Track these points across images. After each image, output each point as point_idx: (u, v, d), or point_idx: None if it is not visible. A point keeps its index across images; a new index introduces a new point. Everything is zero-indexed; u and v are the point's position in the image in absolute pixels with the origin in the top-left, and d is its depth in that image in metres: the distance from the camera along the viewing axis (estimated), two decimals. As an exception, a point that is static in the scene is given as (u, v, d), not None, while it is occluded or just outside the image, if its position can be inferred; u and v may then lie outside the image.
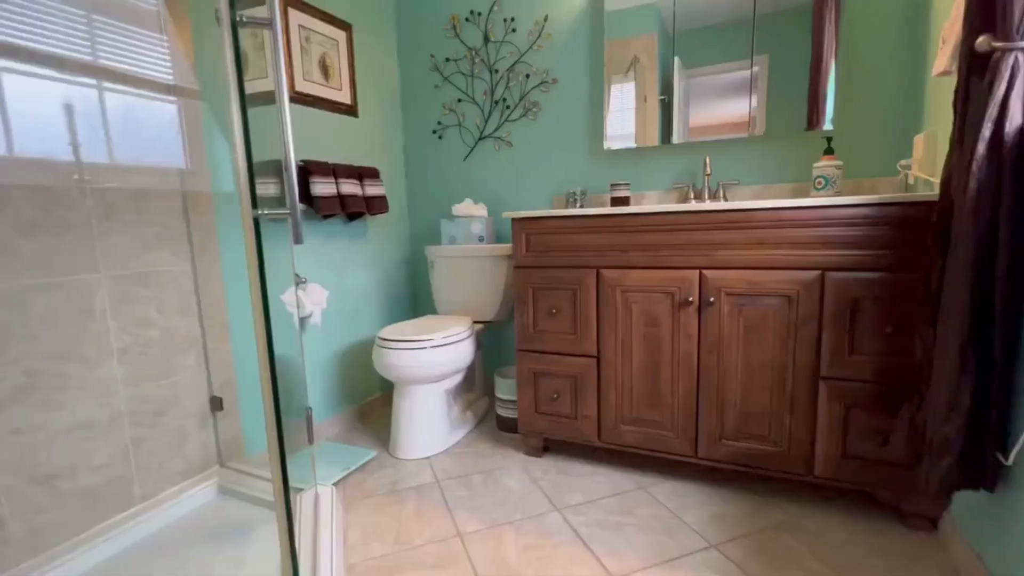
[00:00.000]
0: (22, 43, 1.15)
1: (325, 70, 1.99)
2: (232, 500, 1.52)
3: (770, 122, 1.72)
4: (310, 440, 1.40)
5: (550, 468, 1.73)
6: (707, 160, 1.77)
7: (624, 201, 1.90)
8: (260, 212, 0.81)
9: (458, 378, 1.96)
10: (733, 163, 1.84)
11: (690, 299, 1.46)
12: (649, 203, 1.97)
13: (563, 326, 1.66)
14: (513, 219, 1.68)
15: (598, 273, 1.58)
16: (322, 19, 1.96)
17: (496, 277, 2.10)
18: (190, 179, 1.52)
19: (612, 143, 1.97)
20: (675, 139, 1.87)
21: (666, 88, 1.86)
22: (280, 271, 1.81)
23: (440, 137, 2.36)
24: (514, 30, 2.12)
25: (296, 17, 1.84)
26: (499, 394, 2.02)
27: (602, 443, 1.65)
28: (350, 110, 2.12)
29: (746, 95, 1.74)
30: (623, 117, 1.94)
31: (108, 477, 1.34)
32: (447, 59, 2.28)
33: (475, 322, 2.18)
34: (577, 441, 1.70)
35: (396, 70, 2.39)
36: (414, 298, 2.55)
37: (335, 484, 1.65)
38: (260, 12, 0.77)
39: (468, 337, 1.92)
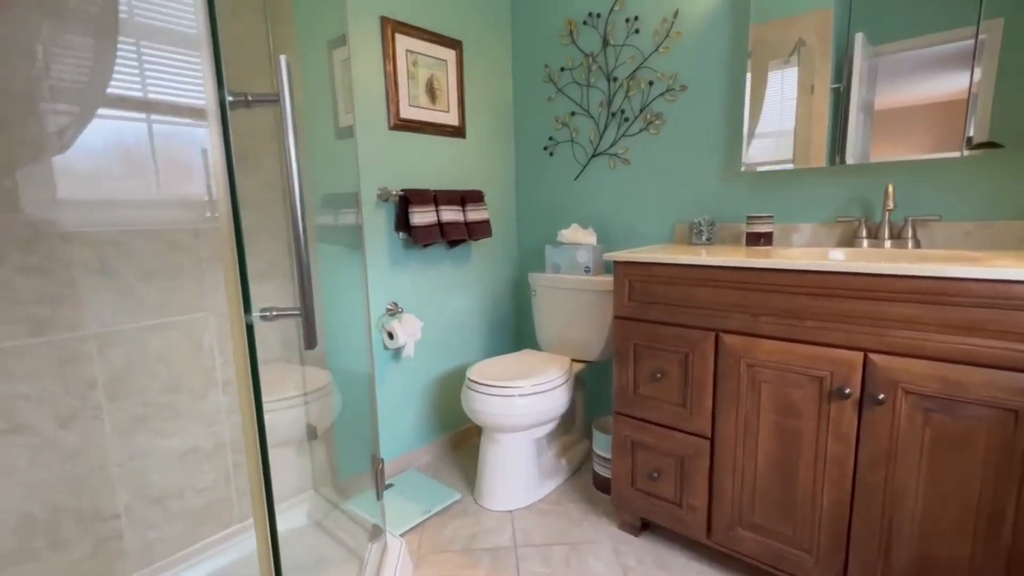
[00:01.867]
0: (164, 97, 1.25)
1: (432, 93, 1.93)
2: (318, 532, 1.56)
3: (999, 121, 1.20)
4: (378, 495, 1.35)
5: (646, 556, 1.47)
6: (889, 189, 1.31)
7: (764, 239, 1.51)
8: (262, 314, 0.72)
9: (550, 427, 1.78)
10: (933, 187, 1.34)
11: (846, 390, 1.08)
12: (801, 240, 1.55)
13: (670, 394, 1.37)
14: (615, 262, 1.43)
15: (718, 337, 1.26)
16: (430, 40, 1.89)
17: (602, 314, 1.86)
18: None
19: (754, 161, 1.59)
20: (850, 150, 1.42)
21: (841, 74, 1.41)
22: (375, 295, 1.82)
23: (551, 154, 2.18)
24: (637, 31, 1.83)
25: (403, 42, 1.80)
26: (596, 449, 1.79)
27: (711, 543, 1.34)
28: (457, 132, 2.04)
29: (961, 77, 1.24)
30: (774, 123, 1.54)
31: (211, 499, 1.45)
32: (561, 68, 2.07)
33: (577, 360, 1.98)
34: (680, 532, 1.41)
35: (509, 84, 2.25)
36: (518, 324, 2.42)
37: (415, 527, 1.61)
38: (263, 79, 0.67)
39: (562, 384, 1.72)
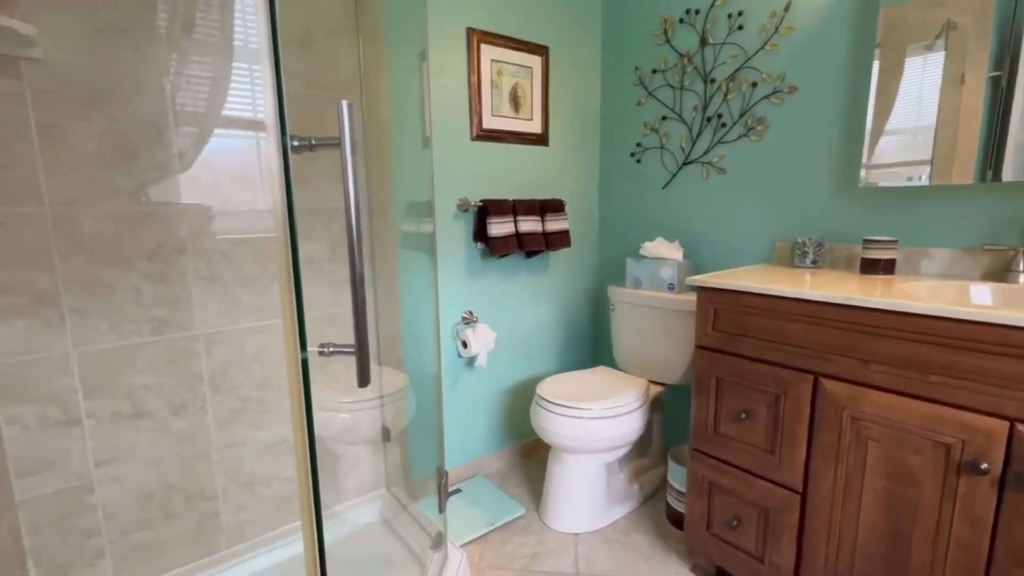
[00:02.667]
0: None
1: (515, 101, 1.91)
2: (387, 531, 1.63)
3: None
4: (441, 507, 1.37)
5: (718, 608, 1.35)
6: (1062, 214, 1.05)
7: (883, 266, 1.30)
8: (319, 350, 0.74)
9: (622, 451, 1.70)
10: None
11: (982, 465, 0.88)
12: (933, 268, 1.31)
13: (756, 438, 1.23)
14: (698, 287, 1.31)
15: (816, 382, 1.11)
16: (516, 48, 1.87)
17: (686, 335, 1.73)
18: (378, 227, 1.63)
19: (876, 172, 1.37)
20: (1010, 160, 1.16)
21: (1003, 60, 1.16)
22: (451, 303, 1.85)
23: (638, 161, 2.06)
24: (740, 27, 1.65)
25: (489, 52, 1.80)
26: (671, 480, 1.68)
27: (797, 610, 1.19)
28: (539, 140, 2.00)
29: None
30: (906, 125, 1.32)
31: (295, 488, 1.57)
32: (653, 70, 1.94)
33: (655, 383, 1.87)
34: (760, 589, 1.27)
35: (596, 88, 2.16)
36: (595, 339, 2.34)
37: (477, 539, 1.62)
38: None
39: (637, 409, 1.63)
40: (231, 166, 1.35)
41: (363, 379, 0.72)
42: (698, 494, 1.38)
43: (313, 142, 0.67)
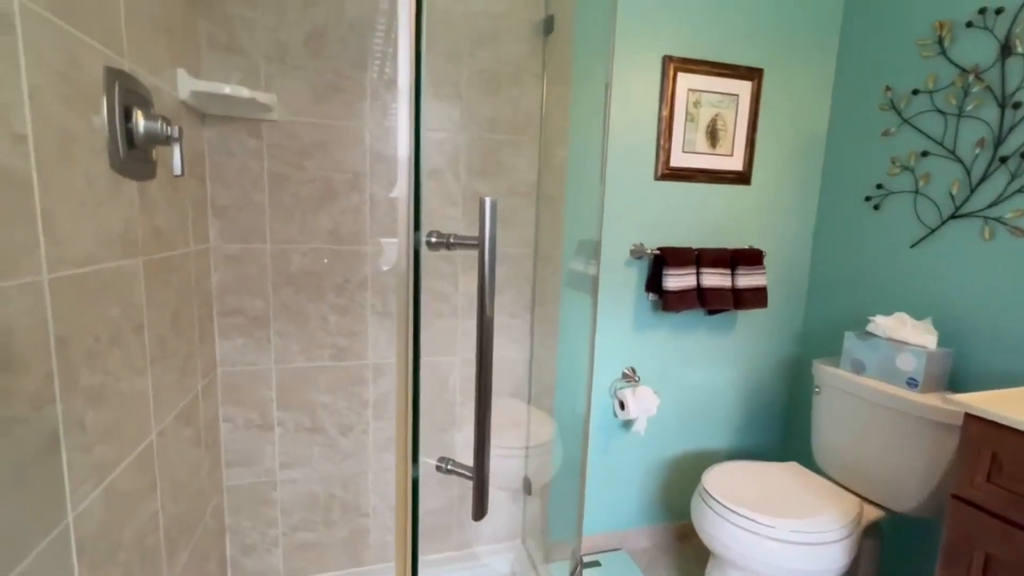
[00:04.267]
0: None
1: (713, 135, 1.64)
2: (516, 589, 1.55)
3: None
4: (571, 597, 1.22)
5: None
6: None
7: None
8: (436, 464, 0.66)
9: (810, 586, 1.31)
10: None
11: None
12: None
13: (1054, 669, 0.79)
14: (967, 415, 0.91)
15: None
16: (720, 74, 1.61)
17: (930, 452, 1.27)
18: (542, 272, 1.56)
19: None
20: None
21: None
22: (612, 357, 1.67)
23: (876, 207, 1.60)
24: (1081, 28, 1.13)
25: (686, 81, 1.58)
26: (883, 647, 1.24)
27: None
28: (739, 178, 1.70)
29: None
30: None
31: (435, 521, 1.59)
32: (914, 91, 1.47)
33: (871, 502, 1.41)
34: None
35: (823, 114, 1.75)
36: (788, 422, 1.91)
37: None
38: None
39: (842, 539, 1.24)
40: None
41: (478, 512, 0.63)
42: None
43: (452, 240, 0.60)
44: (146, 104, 0.86)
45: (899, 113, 1.52)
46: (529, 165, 1.48)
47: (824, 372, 1.53)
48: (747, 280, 1.65)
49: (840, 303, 1.72)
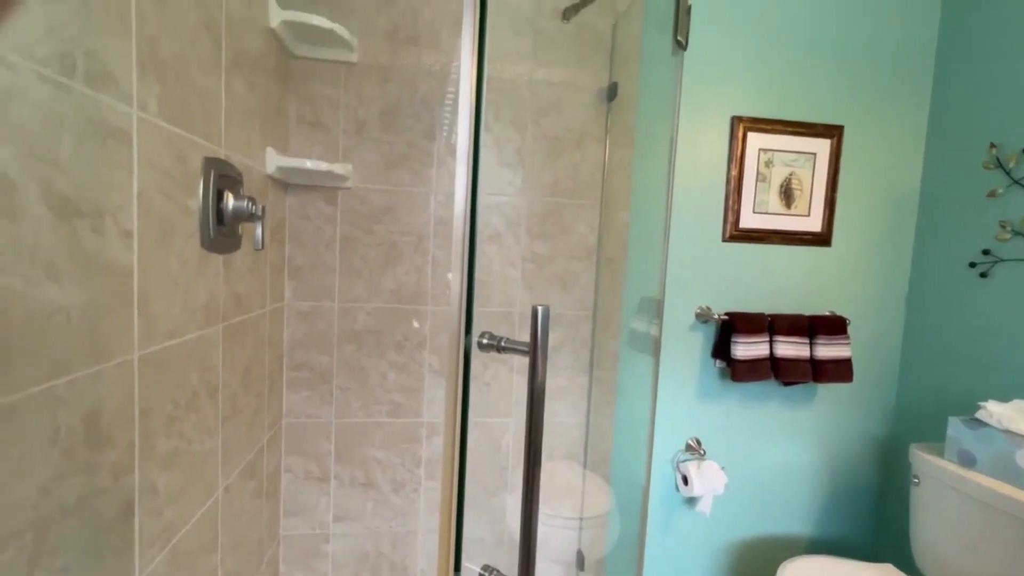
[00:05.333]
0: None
1: (787, 194, 1.56)
2: (565, 676, 1.44)
3: None
4: None
5: None
6: None
7: None
8: (478, 571, 0.63)
9: None
10: None
11: None
12: None
13: None
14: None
15: None
16: (795, 132, 1.54)
17: (1062, 579, 1.06)
18: (600, 336, 1.52)
19: None
20: None
21: None
22: (675, 426, 1.57)
23: (983, 275, 1.43)
24: None
25: (757, 141, 1.52)
26: None
27: None
28: (818, 239, 1.59)
29: None
30: None
31: (483, 590, 1.53)
32: (1025, 150, 1.33)
33: (989, 626, 1.20)
34: None
35: (915, 172, 1.62)
36: (880, 513, 1.68)
37: None
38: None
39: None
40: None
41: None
42: None
43: (503, 344, 0.59)
44: (237, 184, 0.95)
45: (1007, 172, 1.37)
46: (590, 228, 1.47)
47: (924, 461, 1.35)
48: (828, 351, 1.51)
49: (940, 380, 1.52)
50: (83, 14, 0.55)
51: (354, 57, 1.29)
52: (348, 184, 1.33)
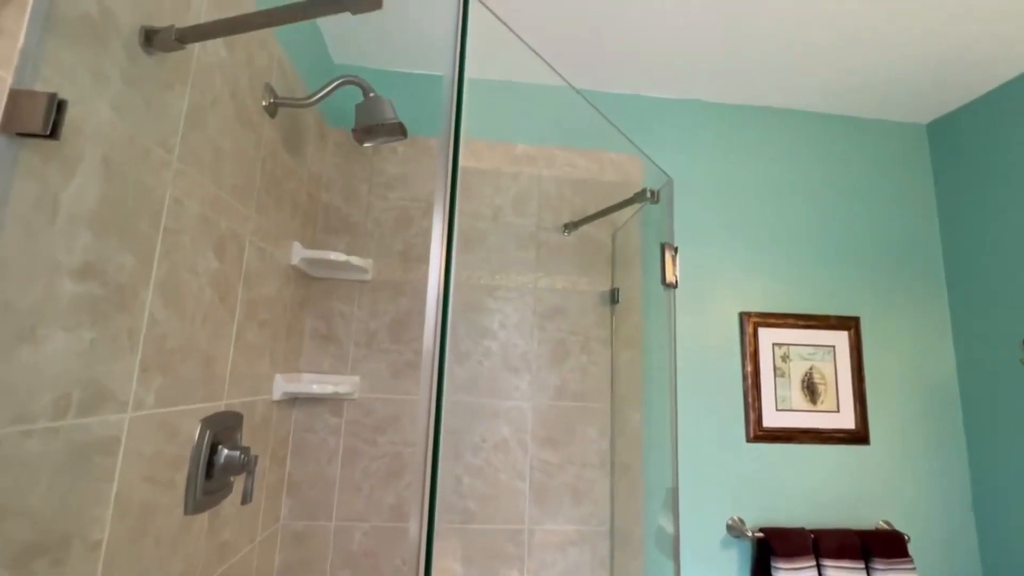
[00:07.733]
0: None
1: (811, 389, 1.48)
2: None
3: None
4: None
5: None
6: None
7: None
8: None
9: None
10: None
11: None
12: None
13: None
14: None
15: None
16: (808, 326, 1.51)
17: None
18: (620, 556, 1.37)
19: None
20: None
21: None
22: None
23: (1056, 488, 1.25)
24: None
25: (769, 336, 1.50)
26: None
27: None
28: (854, 436, 1.46)
29: None
30: None
31: None
32: (1064, 352, 1.24)
33: None
34: None
35: (948, 359, 1.53)
36: None
37: None
38: None
39: None
40: (477, 488, 1.37)
41: None
42: None
43: None
44: (234, 431, 0.96)
45: (1051, 374, 1.27)
46: (600, 433, 1.41)
47: None
48: (889, 573, 1.30)
49: (1041, 623, 1.26)
50: (89, 354, 0.59)
51: (369, 276, 1.38)
52: (354, 396, 1.35)
